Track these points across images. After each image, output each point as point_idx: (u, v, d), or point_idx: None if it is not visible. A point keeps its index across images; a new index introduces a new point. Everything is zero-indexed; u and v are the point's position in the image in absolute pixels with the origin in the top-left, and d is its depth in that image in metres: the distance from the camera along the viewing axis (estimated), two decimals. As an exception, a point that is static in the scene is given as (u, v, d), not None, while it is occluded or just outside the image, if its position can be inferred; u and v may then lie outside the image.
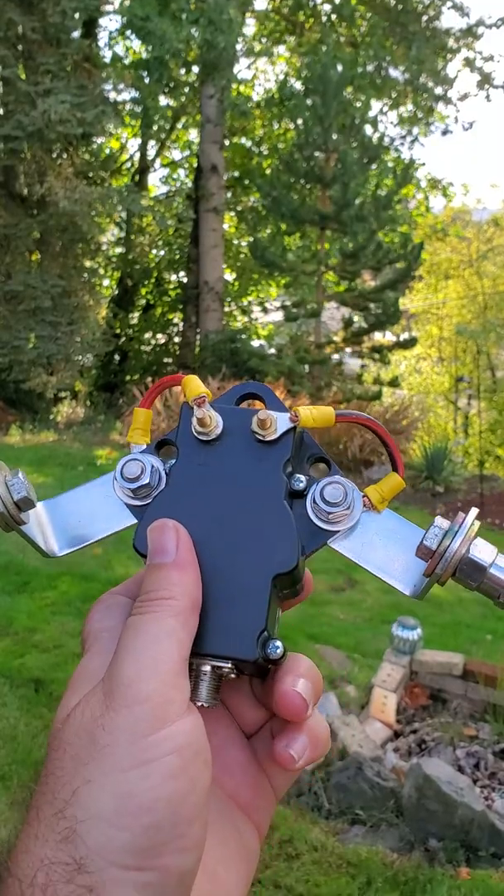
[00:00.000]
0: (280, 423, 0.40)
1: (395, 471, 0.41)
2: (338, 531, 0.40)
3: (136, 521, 0.41)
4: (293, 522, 0.39)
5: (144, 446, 0.44)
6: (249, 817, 0.40)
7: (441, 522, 0.40)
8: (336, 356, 10.35)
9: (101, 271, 13.98)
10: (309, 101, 10.01)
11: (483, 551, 0.39)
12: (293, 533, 0.39)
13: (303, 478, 0.40)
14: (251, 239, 12.34)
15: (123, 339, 14.34)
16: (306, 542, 0.40)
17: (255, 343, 13.59)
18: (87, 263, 12.34)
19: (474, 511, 0.41)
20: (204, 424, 0.41)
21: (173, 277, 15.49)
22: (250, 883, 0.39)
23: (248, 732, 0.42)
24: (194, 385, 0.42)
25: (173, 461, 0.42)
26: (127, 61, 12.72)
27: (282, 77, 14.96)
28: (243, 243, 15.07)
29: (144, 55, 11.39)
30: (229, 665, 0.37)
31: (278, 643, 0.38)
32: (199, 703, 0.37)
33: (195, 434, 0.41)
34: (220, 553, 0.38)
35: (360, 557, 0.41)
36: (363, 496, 0.41)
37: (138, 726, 0.32)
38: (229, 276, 15.17)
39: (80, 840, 0.30)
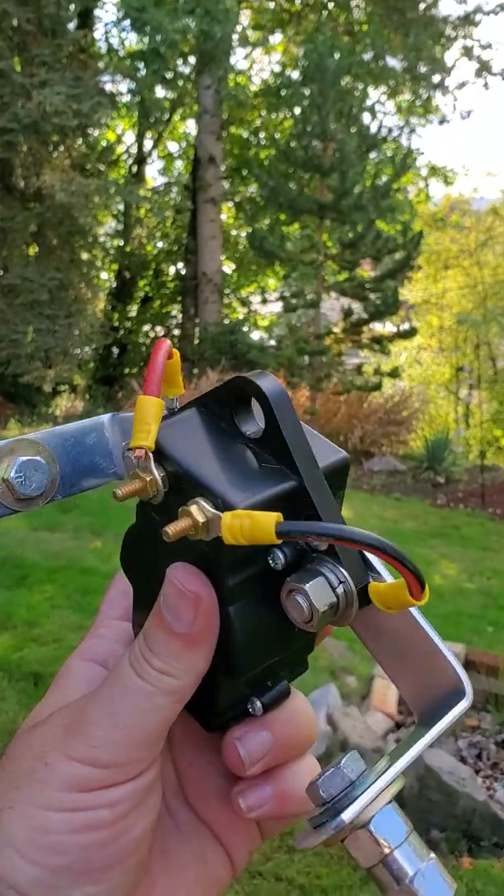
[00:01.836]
0: (213, 526, 0.29)
1: (410, 594, 0.29)
2: None
3: None
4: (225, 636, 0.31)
5: (174, 401, 0.36)
6: (224, 848, 0.37)
7: (350, 761, 0.29)
8: (342, 356, 10.32)
9: (99, 264, 13.92)
10: (306, 91, 9.94)
11: (389, 828, 0.29)
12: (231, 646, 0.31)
13: (281, 556, 0.30)
14: (249, 229, 12.28)
15: (122, 331, 14.30)
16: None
17: (255, 335, 13.54)
18: (85, 256, 12.27)
19: (399, 766, 0.29)
20: (142, 493, 0.31)
21: (171, 269, 15.43)
22: None
23: None
24: (140, 421, 0.31)
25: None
26: (122, 53, 12.63)
27: (279, 67, 14.86)
28: (242, 234, 15.00)
29: (140, 47, 11.30)
30: None
31: (253, 704, 0.34)
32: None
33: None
34: None
35: (369, 646, 0.35)
36: (366, 593, 0.31)
37: (77, 782, 0.30)
38: (228, 267, 15.10)
39: None
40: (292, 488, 0.31)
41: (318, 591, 0.29)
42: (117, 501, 0.31)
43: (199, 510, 0.29)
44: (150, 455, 0.31)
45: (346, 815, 0.28)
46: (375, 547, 0.28)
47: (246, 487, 0.30)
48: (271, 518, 0.28)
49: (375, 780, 0.29)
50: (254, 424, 0.33)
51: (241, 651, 0.32)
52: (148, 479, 0.31)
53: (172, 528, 0.29)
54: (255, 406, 0.33)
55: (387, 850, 0.29)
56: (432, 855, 0.29)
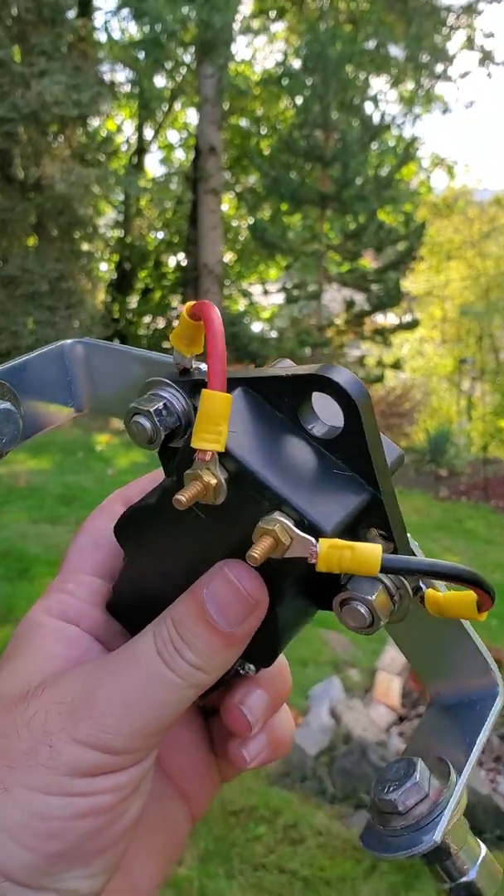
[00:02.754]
0: (298, 547, 0.28)
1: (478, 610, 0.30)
2: None
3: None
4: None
5: (190, 360, 0.33)
6: (187, 801, 0.38)
7: (423, 773, 0.31)
8: (344, 348, 10.30)
9: (99, 255, 13.87)
10: (308, 80, 9.86)
11: (456, 832, 0.31)
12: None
13: None
14: (251, 220, 12.22)
15: (122, 323, 14.26)
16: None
17: (257, 326, 13.51)
18: (85, 247, 12.23)
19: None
20: (203, 497, 0.29)
21: (172, 260, 15.37)
22: (168, 871, 0.37)
23: (209, 707, 0.39)
24: (207, 420, 0.28)
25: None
26: (122, 42, 12.54)
27: (280, 55, 14.76)
28: (243, 224, 14.94)
29: (139, 36, 11.22)
30: None
31: (248, 665, 0.35)
32: None
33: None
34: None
35: (391, 630, 0.35)
36: (420, 594, 0.31)
37: (84, 767, 0.29)
38: (229, 258, 15.04)
39: None
40: (367, 502, 0.30)
41: (382, 603, 0.29)
42: (181, 508, 0.29)
43: (283, 531, 0.28)
44: (217, 457, 0.29)
45: (438, 836, 0.29)
46: (477, 584, 0.28)
47: (325, 502, 0.29)
48: (376, 553, 0.27)
49: (452, 796, 0.30)
50: (316, 421, 0.31)
51: (280, 645, 0.32)
52: (213, 483, 0.29)
53: (259, 552, 0.27)
54: (317, 399, 0.31)
55: (454, 852, 0.31)
56: (483, 847, 0.32)
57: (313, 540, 0.28)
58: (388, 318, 11.88)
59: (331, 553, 0.27)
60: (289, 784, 2.36)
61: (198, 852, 2.06)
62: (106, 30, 13.46)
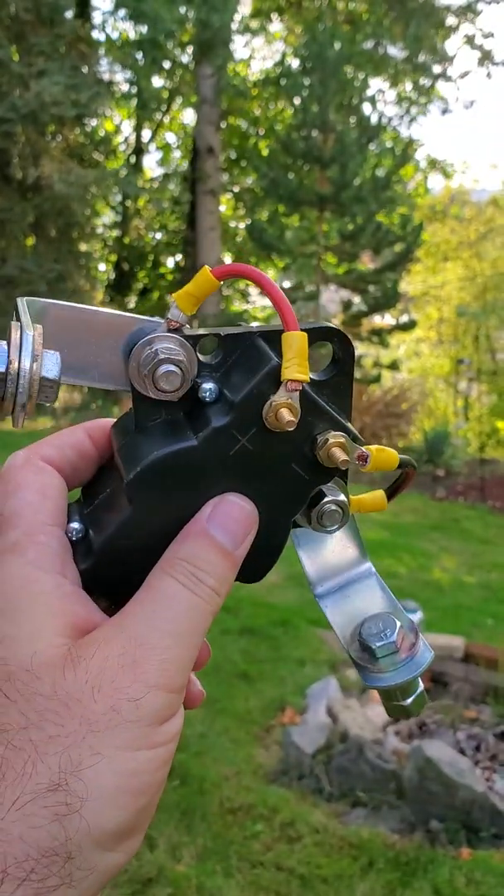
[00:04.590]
0: (352, 454, 0.35)
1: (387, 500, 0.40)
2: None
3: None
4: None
5: (186, 319, 0.35)
6: None
7: (400, 622, 0.38)
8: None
9: (97, 255, 13.87)
10: (306, 80, 9.87)
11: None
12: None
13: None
14: (249, 221, 12.22)
15: (121, 324, 14.26)
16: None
17: (254, 327, 13.50)
18: (83, 247, 12.23)
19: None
20: (290, 414, 0.33)
21: (170, 261, 15.38)
22: None
23: None
24: (298, 356, 0.33)
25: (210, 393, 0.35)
26: (120, 42, 12.53)
27: (279, 56, 14.76)
28: (241, 225, 14.94)
29: (135, 36, 11.22)
30: None
31: None
32: None
33: (264, 418, 0.34)
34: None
35: (297, 540, 0.41)
36: (362, 452, 0.37)
37: (163, 713, 0.30)
38: (227, 258, 15.05)
39: (79, 819, 0.28)
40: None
41: (346, 502, 0.37)
42: (292, 428, 0.33)
43: (347, 443, 0.35)
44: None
45: (430, 650, 0.37)
46: (414, 466, 0.40)
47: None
48: (395, 454, 0.37)
49: (417, 623, 0.38)
50: None
51: (275, 561, 0.38)
52: (298, 409, 0.33)
53: (344, 461, 0.34)
54: None
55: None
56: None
57: (363, 449, 0.35)
58: (385, 319, 11.90)
59: (378, 456, 0.36)
60: (286, 782, 2.38)
61: (196, 850, 2.08)
62: (103, 29, 13.45)
